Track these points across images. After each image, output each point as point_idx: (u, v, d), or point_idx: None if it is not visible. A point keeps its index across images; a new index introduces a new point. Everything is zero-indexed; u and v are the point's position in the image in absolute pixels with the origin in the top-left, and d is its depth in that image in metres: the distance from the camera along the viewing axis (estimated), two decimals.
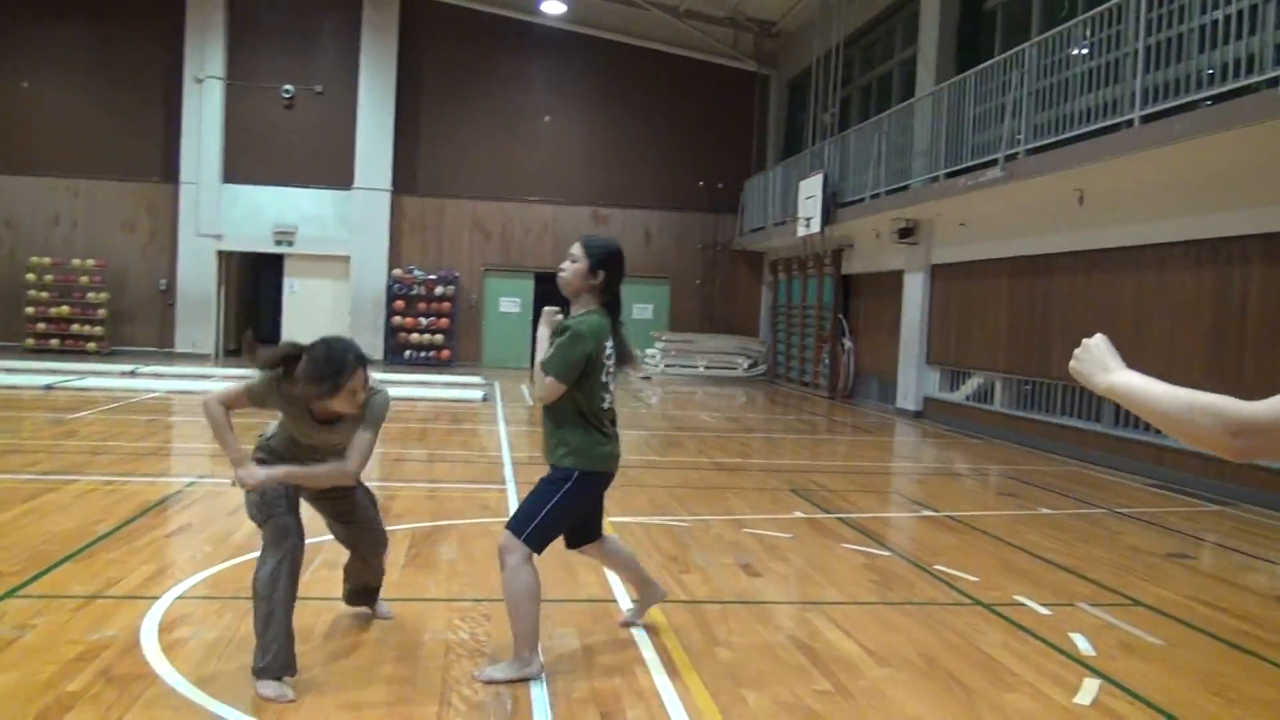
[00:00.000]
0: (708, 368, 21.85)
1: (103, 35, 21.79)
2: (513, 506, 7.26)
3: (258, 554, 5.65)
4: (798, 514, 7.47)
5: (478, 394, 15.40)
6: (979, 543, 6.74)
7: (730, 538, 6.58)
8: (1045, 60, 11.35)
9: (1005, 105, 11.94)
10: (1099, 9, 10.31)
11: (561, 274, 4.14)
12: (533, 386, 4.19)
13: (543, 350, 4.03)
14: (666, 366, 21.50)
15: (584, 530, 4.30)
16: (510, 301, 22.84)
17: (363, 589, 4.61)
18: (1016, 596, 5.39)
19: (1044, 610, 5.17)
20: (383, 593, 5.01)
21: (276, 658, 3.77)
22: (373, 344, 20.83)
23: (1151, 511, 8.22)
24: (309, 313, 22.03)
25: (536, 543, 3.98)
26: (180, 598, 4.81)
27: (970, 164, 12.71)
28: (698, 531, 6.72)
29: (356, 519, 4.32)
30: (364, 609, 4.67)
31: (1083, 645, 4.62)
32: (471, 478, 8.50)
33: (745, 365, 22.13)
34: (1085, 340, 1.91)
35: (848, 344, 18.07)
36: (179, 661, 3.99)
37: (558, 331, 4.00)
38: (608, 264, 4.08)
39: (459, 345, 22.55)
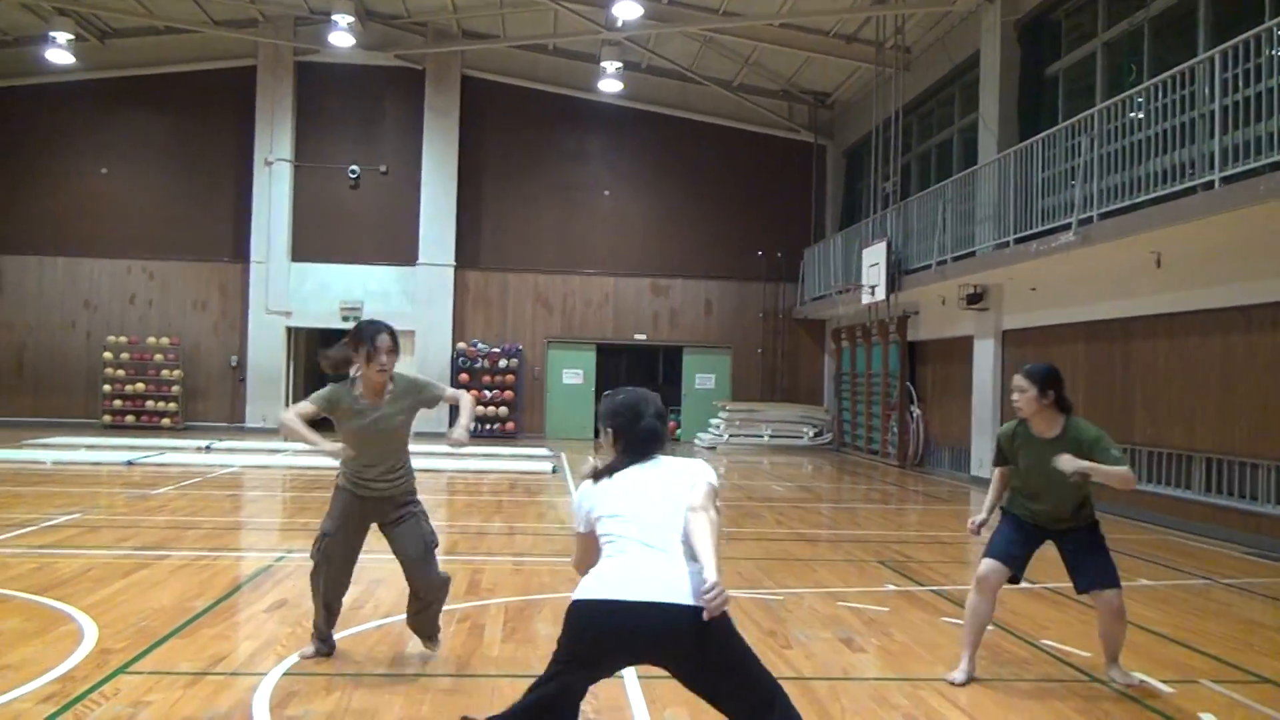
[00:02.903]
0: (772, 437, 21.69)
1: (177, 122, 22.61)
2: None
3: (358, 629, 5.69)
4: (890, 587, 7.32)
5: (546, 465, 15.41)
6: (1083, 615, 6.52)
7: (826, 611, 6.46)
8: (1113, 124, 11.30)
9: (1075, 169, 11.89)
10: (1169, 72, 10.27)
11: (1016, 403, 4.97)
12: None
13: (1098, 474, 4.73)
14: (731, 436, 21.39)
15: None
16: (573, 373, 22.93)
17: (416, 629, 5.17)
18: (1134, 673, 5.19)
19: (1166, 688, 4.98)
20: (484, 667, 5.02)
21: None
22: (438, 417, 20.93)
23: (1259, 582, 7.93)
24: None
25: None
26: (287, 674, 4.81)
27: (1040, 229, 12.61)
28: (791, 605, 6.61)
29: (407, 552, 4.95)
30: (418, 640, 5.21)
31: None
32: (554, 551, 8.45)
33: (810, 434, 21.94)
34: None
35: (916, 412, 17.87)
36: None
37: (1095, 438, 4.86)
38: (1053, 383, 4.89)
39: (523, 417, 22.67)
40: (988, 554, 5.15)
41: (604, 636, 3.07)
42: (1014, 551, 5.10)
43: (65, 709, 4.21)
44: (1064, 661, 5.44)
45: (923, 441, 17.76)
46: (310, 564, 5.00)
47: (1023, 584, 7.39)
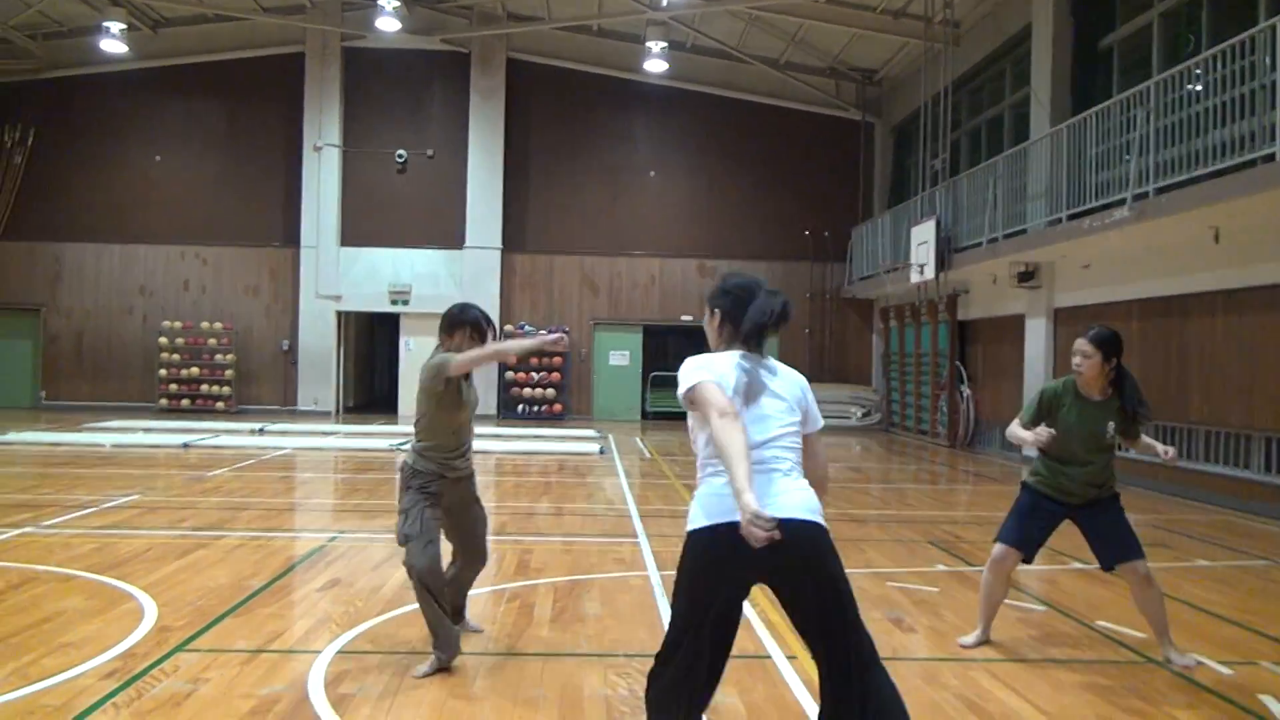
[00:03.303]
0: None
1: (228, 111, 22.89)
2: (647, 560, 7.23)
3: (409, 608, 5.76)
4: (940, 567, 7.26)
5: (594, 447, 15.47)
6: None
7: (875, 591, 6.42)
8: (1170, 96, 11.04)
9: (1130, 143, 11.64)
10: (1228, 42, 10.00)
11: (1079, 368, 4.94)
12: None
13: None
14: None
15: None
16: (619, 354, 22.97)
17: (456, 609, 5.11)
18: (1191, 654, 5.11)
19: (1225, 670, 4.89)
20: (533, 646, 5.06)
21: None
22: (486, 400, 21.14)
23: None
24: None
25: None
26: (340, 652, 4.89)
27: (1093, 205, 12.38)
28: None
29: (476, 531, 5.10)
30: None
31: (1276, 709, 4.34)
32: (602, 531, 8.49)
33: (859, 414, 21.80)
34: None
35: (966, 391, 17.67)
36: (349, 716, 4.03)
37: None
38: (1118, 351, 4.90)
39: (570, 399, 22.76)
40: (1001, 538, 5.22)
41: (738, 559, 2.93)
42: (1029, 535, 5.16)
43: (127, 685, 4.31)
44: (1119, 642, 5.36)
45: (973, 421, 17.57)
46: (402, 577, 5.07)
47: (1075, 565, 7.35)
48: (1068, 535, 9.10)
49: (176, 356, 22.07)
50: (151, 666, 4.56)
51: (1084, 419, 4.94)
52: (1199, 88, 10.60)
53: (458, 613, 5.24)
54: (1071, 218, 12.88)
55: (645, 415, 22.78)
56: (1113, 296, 13.22)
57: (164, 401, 21.97)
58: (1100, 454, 4.97)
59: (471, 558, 5.14)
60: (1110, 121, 12.22)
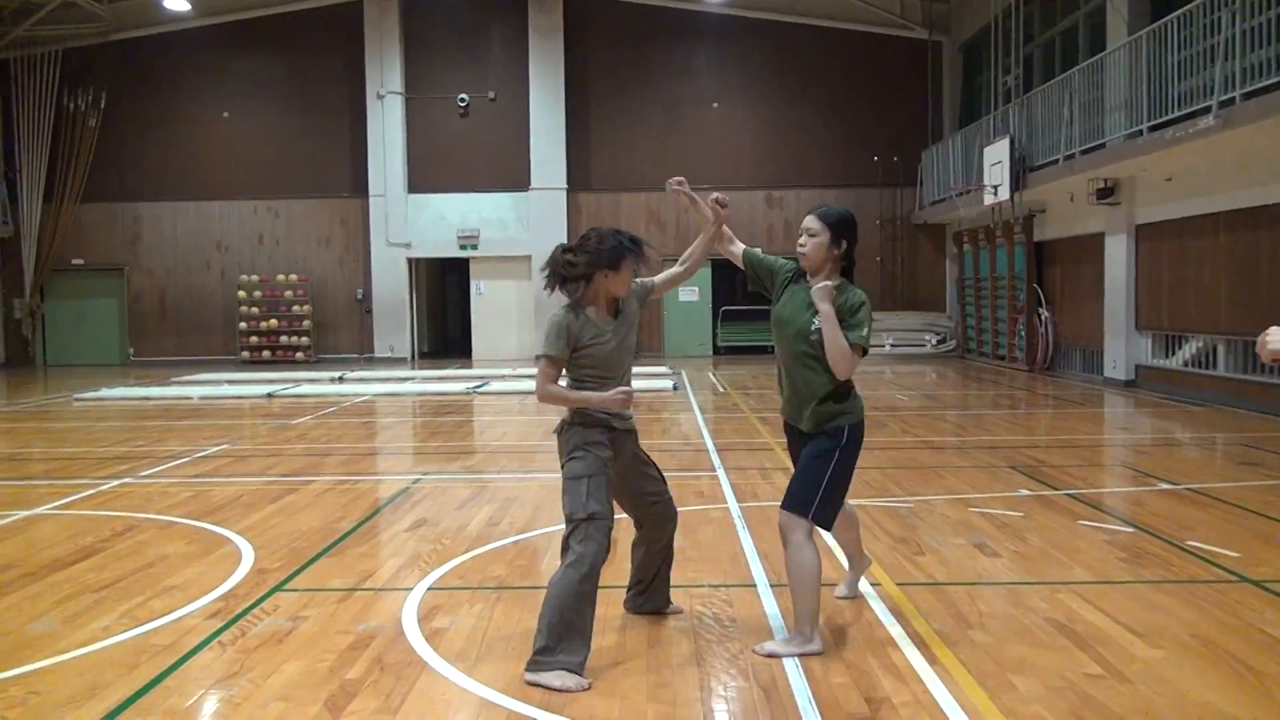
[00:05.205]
0: (894, 346, 21.34)
1: (291, 64, 23.06)
2: (726, 493, 7.28)
3: (496, 545, 5.88)
4: (1023, 492, 7.18)
5: (668, 383, 15.52)
6: (1231, 516, 6.31)
7: (957, 517, 6.38)
8: None
9: (1215, 48, 11.15)
10: None
11: (802, 250, 4.11)
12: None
13: (829, 325, 3.90)
14: None
15: None
16: (689, 290, 22.87)
17: (654, 588, 4.51)
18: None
19: None
20: (618, 579, 4.77)
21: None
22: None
23: None
24: (496, 312, 22.82)
25: (824, 519, 4.04)
26: (431, 589, 5.01)
27: (1176, 115, 11.93)
28: (921, 512, 6.55)
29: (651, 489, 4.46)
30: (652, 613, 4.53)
31: None
32: (680, 466, 8.55)
33: (933, 341, 21.51)
34: None
35: (1045, 314, 17.30)
36: (444, 649, 4.14)
37: (856, 306, 3.99)
38: (848, 233, 4.10)
39: (641, 336, 22.73)
40: None
41: None
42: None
43: (231, 624, 4.48)
44: (1210, 561, 5.27)
45: (1052, 344, 17.22)
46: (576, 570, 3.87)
47: (1163, 486, 7.21)
48: (1150, 454, 8.96)
49: (255, 309, 22.59)
50: (253, 606, 4.73)
51: (793, 304, 4.12)
52: None
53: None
54: (1153, 129, 12.43)
55: (717, 351, 22.71)
56: (1197, 209, 12.78)
57: (245, 354, 22.55)
58: (799, 370, 4.10)
59: (667, 525, 4.54)
60: (1193, 26, 11.72)
